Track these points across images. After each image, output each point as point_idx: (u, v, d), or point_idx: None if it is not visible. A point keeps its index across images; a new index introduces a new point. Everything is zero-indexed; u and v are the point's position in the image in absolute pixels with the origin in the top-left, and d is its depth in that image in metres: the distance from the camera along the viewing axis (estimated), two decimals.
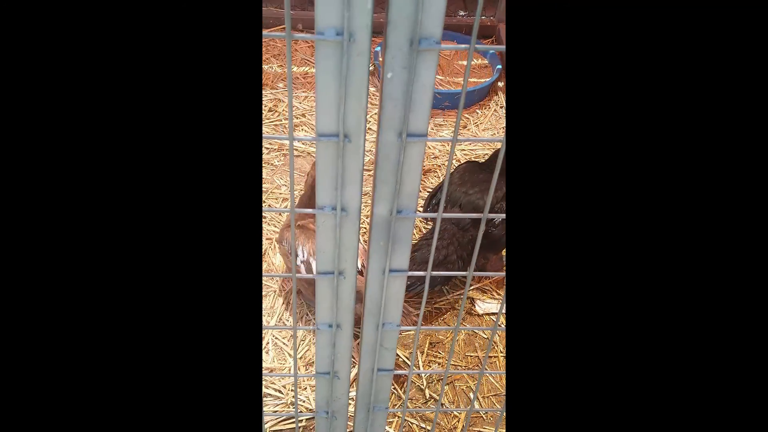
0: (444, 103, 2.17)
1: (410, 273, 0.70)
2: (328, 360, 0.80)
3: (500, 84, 2.33)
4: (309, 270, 1.35)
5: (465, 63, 2.40)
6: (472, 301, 1.55)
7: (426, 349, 1.43)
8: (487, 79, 2.24)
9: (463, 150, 2.03)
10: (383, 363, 0.81)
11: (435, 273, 0.73)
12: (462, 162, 1.68)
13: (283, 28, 2.24)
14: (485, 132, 2.13)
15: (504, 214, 1.48)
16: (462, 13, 2.71)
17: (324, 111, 0.55)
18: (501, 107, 2.25)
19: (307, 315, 1.49)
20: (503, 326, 1.33)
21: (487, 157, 1.97)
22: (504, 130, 2.14)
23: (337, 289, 0.71)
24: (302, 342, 1.43)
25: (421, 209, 1.70)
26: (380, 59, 1.96)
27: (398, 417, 1.27)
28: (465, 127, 2.14)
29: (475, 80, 2.31)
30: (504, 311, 1.55)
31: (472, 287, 1.59)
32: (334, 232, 0.65)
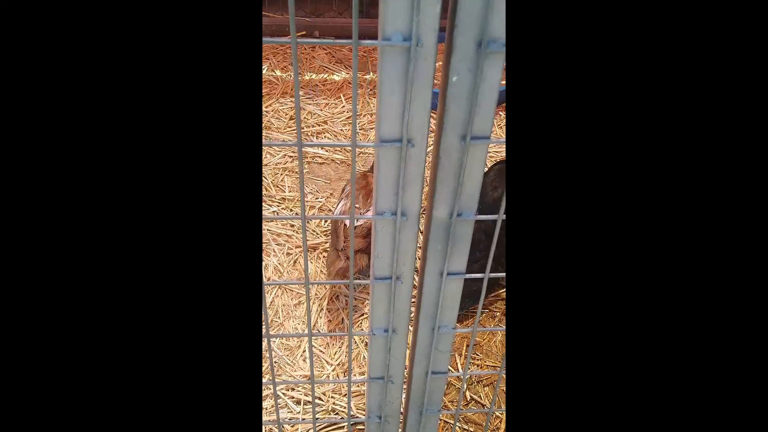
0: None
1: (467, 276, 0.70)
2: (382, 365, 0.80)
3: None
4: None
5: None
6: (506, 302, 1.55)
7: (463, 351, 1.43)
8: None
9: (488, 151, 2.03)
10: (437, 366, 0.81)
11: (493, 275, 0.73)
12: (495, 162, 1.68)
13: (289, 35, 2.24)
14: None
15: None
16: None
17: (387, 117, 0.55)
18: None
19: (344, 320, 1.49)
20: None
21: None
22: None
23: (393, 294, 0.71)
24: (331, 346, 1.43)
25: None
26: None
27: (442, 420, 1.27)
28: (499, 126, 2.14)
29: None
30: None
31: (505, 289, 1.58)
32: (394, 237, 0.65)
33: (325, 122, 2.14)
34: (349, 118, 2.12)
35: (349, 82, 2.35)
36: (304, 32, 2.56)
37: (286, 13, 2.60)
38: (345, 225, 1.45)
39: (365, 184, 1.56)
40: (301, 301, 1.53)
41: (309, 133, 2.07)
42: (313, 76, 2.37)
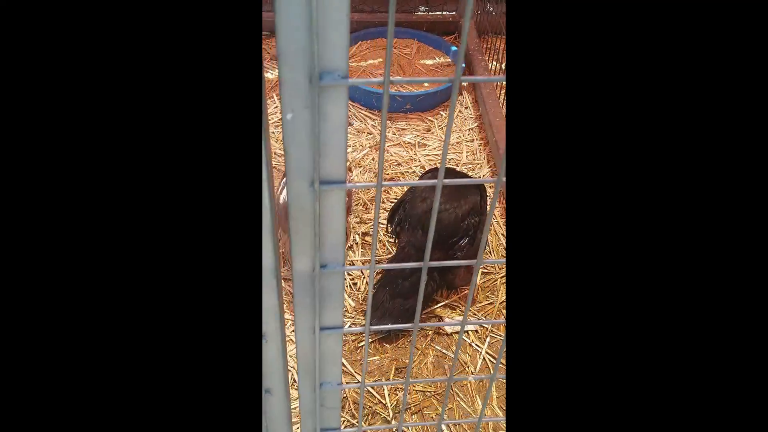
0: (405, 105, 2.08)
1: (347, 330, 0.62)
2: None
3: (464, 83, 2.24)
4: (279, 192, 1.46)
5: (428, 62, 2.31)
6: (440, 319, 1.47)
7: (392, 376, 1.35)
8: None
9: (428, 156, 1.94)
10: (327, 422, 0.72)
11: (375, 327, 0.64)
12: (427, 170, 1.59)
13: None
14: (450, 135, 2.04)
15: (467, 237, 1.41)
16: (423, 8, 2.62)
17: None
18: (465, 108, 2.17)
19: None
20: (485, 346, 1.26)
21: (458, 168, 1.88)
22: (468, 132, 2.06)
23: (264, 353, 0.62)
24: None
25: (383, 228, 1.61)
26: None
27: None
28: (429, 130, 2.05)
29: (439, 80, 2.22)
30: (469, 329, 1.47)
31: (439, 305, 1.50)
32: None
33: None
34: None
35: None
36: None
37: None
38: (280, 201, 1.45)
39: None
40: None
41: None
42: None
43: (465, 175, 1.49)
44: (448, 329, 1.45)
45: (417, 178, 1.84)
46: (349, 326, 1.44)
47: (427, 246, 0.55)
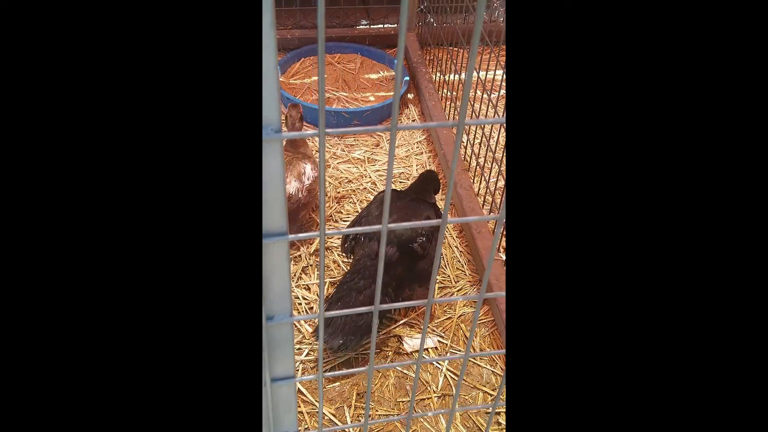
0: (353, 122, 2.07)
1: (299, 379, 0.59)
2: None
3: (410, 96, 2.25)
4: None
5: (372, 76, 2.30)
6: (399, 338, 1.46)
7: (354, 401, 1.32)
8: None
9: (378, 171, 1.93)
10: None
11: (329, 374, 0.62)
12: (380, 190, 1.58)
13: None
14: (399, 149, 2.04)
15: (424, 245, 1.40)
16: (365, 22, 2.61)
17: None
18: (413, 120, 2.17)
19: None
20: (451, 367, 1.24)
21: (410, 182, 1.88)
22: (416, 145, 2.06)
23: None
24: None
25: (337, 250, 1.59)
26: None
27: None
28: (377, 145, 2.04)
29: (384, 94, 2.21)
30: (428, 346, 1.45)
31: (398, 324, 1.49)
32: None
33: None
34: None
35: None
36: None
37: None
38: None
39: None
40: None
41: None
42: None
43: (418, 198, 1.50)
44: (408, 348, 1.44)
45: (370, 196, 1.83)
46: (306, 354, 1.41)
47: (377, 294, 0.54)
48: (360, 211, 1.53)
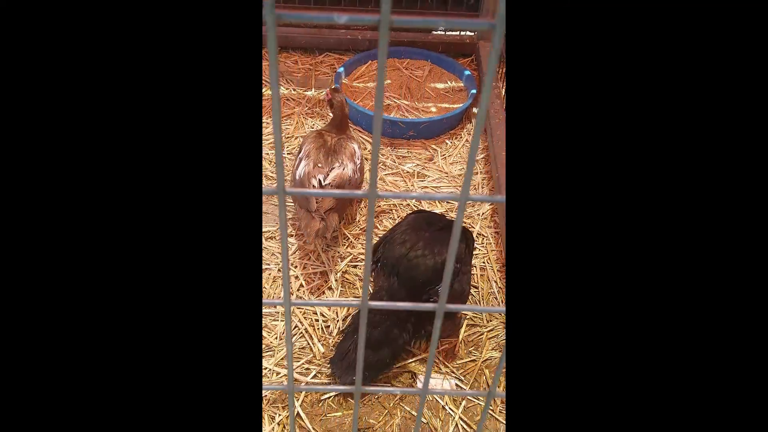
0: (408, 132, 1.97)
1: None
2: None
3: (474, 110, 2.12)
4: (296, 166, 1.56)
5: (439, 86, 2.19)
6: (413, 375, 1.35)
7: None
8: (460, 105, 2.03)
9: (426, 188, 1.82)
10: None
11: None
12: (412, 211, 1.47)
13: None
14: (453, 166, 1.92)
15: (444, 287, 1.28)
16: (441, 28, 2.50)
17: None
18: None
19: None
20: (458, 412, 1.12)
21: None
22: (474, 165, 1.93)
23: None
24: None
25: None
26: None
27: None
28: (431, 160, 1.93)
29: (447, 106, 2.09)
30: (444, 388, 1.33)
31: (416, 359, 1.38)
32: None
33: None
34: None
35: (287, 99, 2.14)
36: None
37: None
38: (312, 185, 1.49)
39: (322, 142, 1.58)
40: None
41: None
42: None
43: (449, 221, 1.37)
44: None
45: (400, 218, 1.72)
46: (314, 375, 1.32)
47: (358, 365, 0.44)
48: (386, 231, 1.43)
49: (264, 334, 1.40)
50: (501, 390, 1.33)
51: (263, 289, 1.51)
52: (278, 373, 1.32)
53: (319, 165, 1.53)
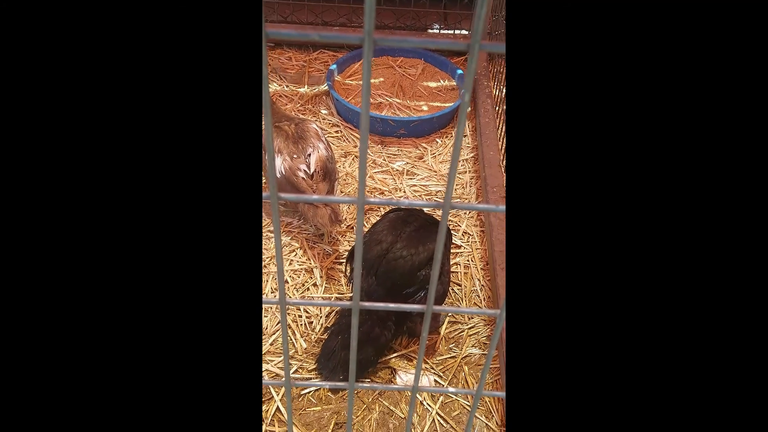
0: (399, 130, 1.98)
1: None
2: None
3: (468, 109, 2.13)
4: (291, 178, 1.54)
5: (431, 84, 2.21)
6: (393, 371, 1.37)
7: (330, 430, 1.26)
8: (451, 104, 2.05)
9: (414, 186, 1.84)
10: None
11: None
12: (389, 209, 1.49)
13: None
14: (442, 165, 1.93)
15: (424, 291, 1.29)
16: (437, 26, 2.51)
17: None
18: (464, 136, 2.05)
19: None
20: (436, 404, 1.14)
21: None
22: (462, 163, 1.95)
23: None
24: None
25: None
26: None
27: None
28: (421, 158, 1.95)
29: (439, 104, 2.11)
30: (422, 384, 1.36)
31: (396, 354, 1.40)
32: None
33: None
34: None
35: (280, 95, 2.16)
36: None
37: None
38: (302, 177, 1.52)
39: (285, 134, 1.60)
40: None
41: None
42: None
43: (433, 219, 1.39)
44: (401, 383, 1.35)
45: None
46: (295, 370, 1.35)
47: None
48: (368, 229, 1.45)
49: None
50: (488, 389, 1.35)
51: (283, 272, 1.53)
52: (263, 369, 1.35)
53: (295, 156, 1.56)
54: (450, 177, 0.39)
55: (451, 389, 0.56)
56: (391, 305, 0.48)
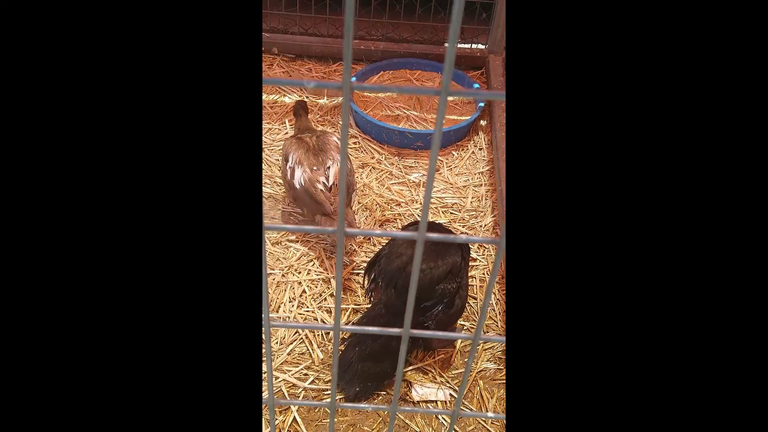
0: (416, 143, 2.00)
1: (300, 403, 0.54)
2: None
3: (482, 123, 2.15)
4: (291, 176, 1.60)
5: (449, 98, 2.21)
6: (408, 384, 1.38)
7: None
8: (468, 118, 2.06)
9: (431, 199, 1.85)
10: None
11: None
12: (409, 223, 1.50)
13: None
14: (458, 177, 1.94)
15: (441, 305, 1.30)
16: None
17: None
18: (480, 149, 2.06)
19: None
20: (448, 418, 1.15)
21: (460, 214, 1.78)
22: (478, 176, 1.96)
23: None
24: None
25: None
26: None
27: None
28: (437, 170, 1.96)
29: (455, 118, 2.12)
30: (438, 398, 1.36)
31: (411, 368, 1.41)
32: None
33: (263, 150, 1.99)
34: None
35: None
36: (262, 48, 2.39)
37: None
38: (320, 190, 1.55)
39: (306, 145, 1.64)
40: None
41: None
42: (263, 97, 2.22)
43: (449, 231, 1.40)
44: (416, 397, 1.36)
45: (400, 229, 1.75)
46: (312, 380, 1.36)
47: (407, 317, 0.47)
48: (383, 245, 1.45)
49: None
50: (492, 401, 1.35)
51: (267, 294, 1.55)
52: (277, 378, 1.36)
53: (315, 168, 1.59)
54: (424, 205, 0.40)
55: (433, 410, 0.56)
56: (369, 328, 0.50)
